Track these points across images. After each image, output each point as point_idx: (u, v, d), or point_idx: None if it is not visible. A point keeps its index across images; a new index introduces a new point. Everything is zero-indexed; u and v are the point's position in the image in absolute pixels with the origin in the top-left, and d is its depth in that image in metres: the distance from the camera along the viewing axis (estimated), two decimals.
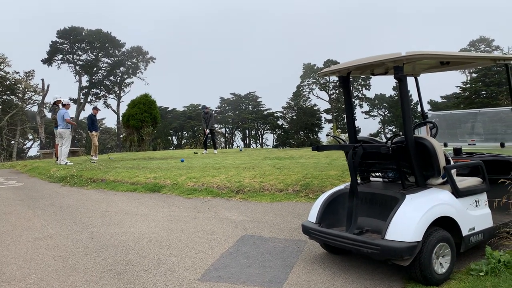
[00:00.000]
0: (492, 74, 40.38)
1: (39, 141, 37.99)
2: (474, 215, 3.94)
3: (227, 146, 58.48)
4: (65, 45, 52.98)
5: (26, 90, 41.11)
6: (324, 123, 60.40)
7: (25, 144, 48.35)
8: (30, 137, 46.72)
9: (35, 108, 40.34)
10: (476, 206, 4.01)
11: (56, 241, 5.22)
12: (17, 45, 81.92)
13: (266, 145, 61.58)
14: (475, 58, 4.55)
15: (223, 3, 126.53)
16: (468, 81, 46.62)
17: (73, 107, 52.13)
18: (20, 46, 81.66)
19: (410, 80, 5.59)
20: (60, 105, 13.48)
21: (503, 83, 38.29)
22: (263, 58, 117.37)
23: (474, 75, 44.90)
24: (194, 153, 16.15)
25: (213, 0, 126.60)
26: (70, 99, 51.97)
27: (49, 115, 31.20)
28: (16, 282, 3.89)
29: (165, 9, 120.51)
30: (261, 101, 63.47)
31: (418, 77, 5.48)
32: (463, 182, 4.04)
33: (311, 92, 63.72)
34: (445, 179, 3.87)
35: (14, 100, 41.46)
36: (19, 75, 40.87)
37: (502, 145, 5.04)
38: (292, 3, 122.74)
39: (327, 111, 61.71)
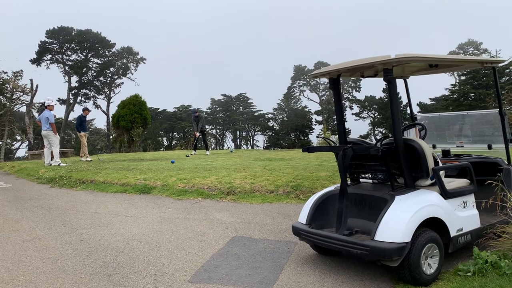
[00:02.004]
0: (480, 76, 40.89)
1: (27, 142, 37.50)
2: (462, 216, 3.99)
3: (218, 147, 58.39)
4: (54, 45, 52.39)
5: (15, 90, 40.50)
6: (315, 125, 60.70)
7: (13, 145, 47.76)
8: (18, 138, 46.12)
9: (23, 109, 39.84)
10: (464, 207, 4.06)
11: (44, 243, 5.17)
12: (5, 45, 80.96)
13: (257, 146, 61.65)
14: (463, 61, 4.62)
15: (214, 5, 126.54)
16: (456, 83, 47.15)
17: (62, 108, 51.65)
18: (8, 46, 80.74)
19: (400, 82, 5.65)
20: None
21: (491, 85, 38.79)
22: (254, 59, 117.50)
23: (463, 77, 45.42)
24: (186, 156, 16.12)
25: (204, 1, 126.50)
26: (59, 99, 51.47)
27: (37, 115, 30.83)
28: (4, 284, 3.85)
29: (155, 10, 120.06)
30: (252, 103, 63.62)
31: (407, 79, 5.53)
32: (451, 183, 4.09)
33: (301, 94, 64.06)
34: (433, 180, 3.91)
35: (2, 100, 40.88)
36: (7, 75, 40.26)
37: (490, 147, 5.11)
38: (282, 5, 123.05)
39: (317, 113, 61.97)
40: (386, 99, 51.37)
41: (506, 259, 3.67)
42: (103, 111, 54.64)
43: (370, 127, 59.52)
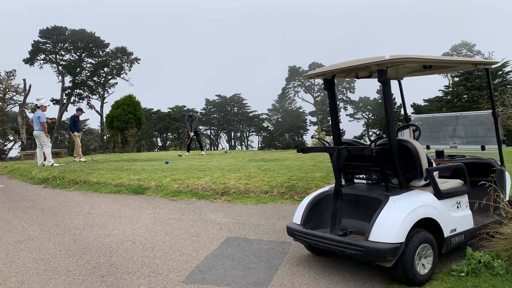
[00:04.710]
0: (473, 78, 41.10)
1: (20, 142, 37.22)
2: (456, 216, 4.01)
3: (212, 148, 58.32)
4: (47, 45, 52.01)
5: (7, 90, 40.20)
6: (309, 126, 60.89)
7: (6, 145, 47.37)
8: (11, 138, 45.75)
9: (16, 109, 39.53)
10: (458, 207, 4.08)
11: (37, 244, 5.13)
12: None
13: (252, 147, 61.63)
14: (457, 62, 4.64)
15: (208, 6, 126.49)
16: (450, 85, 47.38)
17: (56, 108, 51.27)
18: (1, 45, 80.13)
19: (394, 84, 5.66)
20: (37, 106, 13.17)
21: (484, 87, 39.05)
22: (248, 60, 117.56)
23: (456, 79, 45.66)
24: (179, 155, 16.09)
25: (198, 2, 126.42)
26: (53, 99, 51.12)
27: (31, 115, 30.60)
28: None
29: (150, 10, 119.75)
30: (246, 103, 63.61)
31: (401, 81, 5.55)
32: (445, 184, 4.10)
33: (296, 95, 64.18)
34: (427, 181, 3.93)
35: None
36: (0, 75, 40.01)
37: (483, 148, 5.14)
38: (277, 6, 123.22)
39: (312, 114, 62.13)
40: (380, 100, 51.57)
41: (499, 259, 3.70)
42: (97, 112, 54.34)
43: (364, 128, 59.75)
